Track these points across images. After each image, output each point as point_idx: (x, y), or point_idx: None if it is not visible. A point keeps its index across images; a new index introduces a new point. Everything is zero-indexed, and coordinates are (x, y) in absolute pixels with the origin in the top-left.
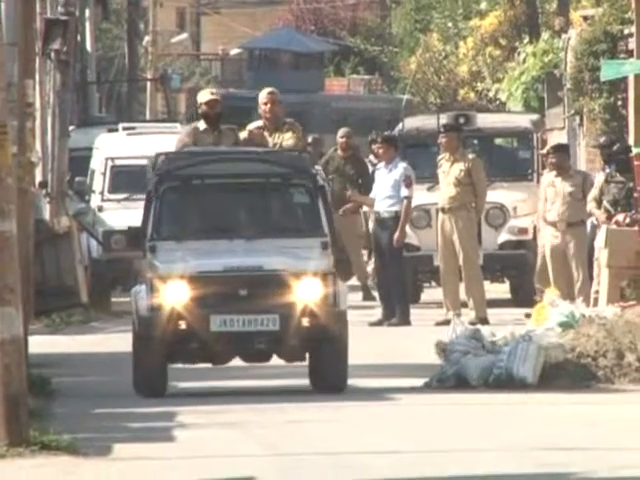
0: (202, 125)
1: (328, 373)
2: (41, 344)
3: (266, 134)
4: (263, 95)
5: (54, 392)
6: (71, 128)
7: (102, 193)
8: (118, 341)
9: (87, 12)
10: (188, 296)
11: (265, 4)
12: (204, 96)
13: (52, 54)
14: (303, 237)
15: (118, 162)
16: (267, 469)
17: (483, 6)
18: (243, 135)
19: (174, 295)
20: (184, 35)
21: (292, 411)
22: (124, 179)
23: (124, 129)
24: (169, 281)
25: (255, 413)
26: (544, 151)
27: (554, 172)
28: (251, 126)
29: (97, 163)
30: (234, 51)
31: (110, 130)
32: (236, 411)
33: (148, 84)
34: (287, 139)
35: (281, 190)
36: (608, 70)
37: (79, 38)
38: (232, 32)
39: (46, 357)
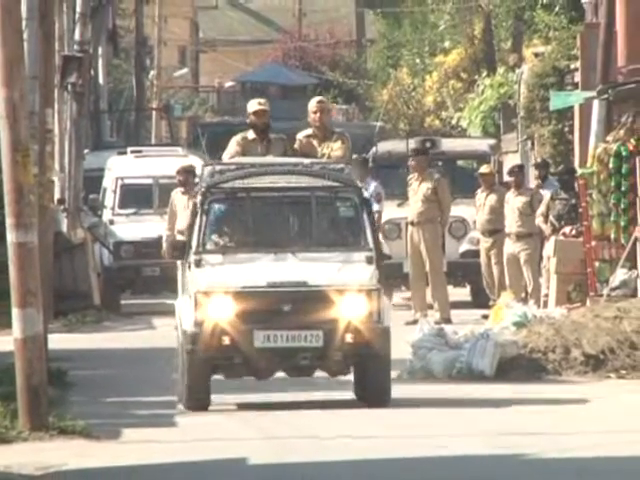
0: (251, 135)
1: (371, 388)
2: (59, 341)
3: (315, 143)
4: (312, 104)
5: (70, 383)
6: (85, 151)
7: (113, 208)
8: (127, 338)
9: (100, 50)
10: (232, 312)
11: (256, 43)
12: (252, 106)
13: (69, 86)
14: (348, 251)
15: (127, 181)
16: (259, 451)
17: (447, 44)
18: (293, 144)
19: (218, 310)
20: (185, 70)
21: (291, 401)
22: (132, 196)
23: (132, 152)
24: (213, 296)
25: (252, 400)
26: (479, 172)
27: (512, 189)
28: (301, 135)
29: (108, 182)
30: (228, 84)
31: (120, 153)
32: (234, 400)
33: (153, 113)
34: (336, 149)
35: (327, 203)
36: (556, 100)
37: (93, 72)
38: (227, 67)
39: (63, 352)
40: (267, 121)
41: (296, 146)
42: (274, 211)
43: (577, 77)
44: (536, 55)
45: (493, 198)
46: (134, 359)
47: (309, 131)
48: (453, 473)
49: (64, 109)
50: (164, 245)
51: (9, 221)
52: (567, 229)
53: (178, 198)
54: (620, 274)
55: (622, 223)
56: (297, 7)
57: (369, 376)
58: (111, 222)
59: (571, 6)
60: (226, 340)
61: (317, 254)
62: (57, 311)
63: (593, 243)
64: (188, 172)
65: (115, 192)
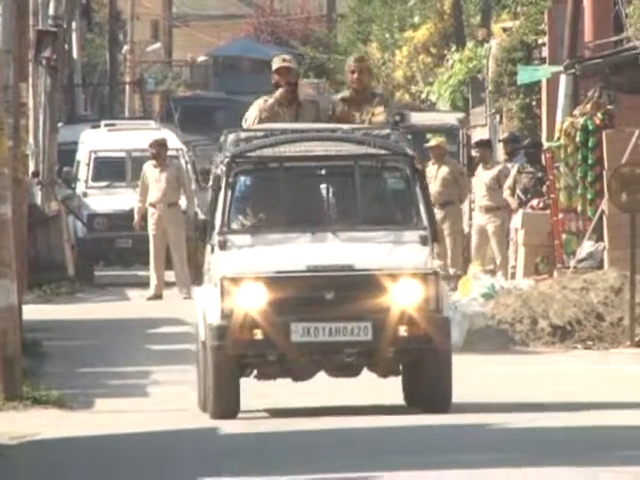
0: (276, 97)
1: (430, 390)
2: (33, 312)
3: (353, 108)
4: (350, 63)
5: (45, 354)
6: (59, 125)
7: (86, 181)
8: (101, 310)
9: (74, 24)
10: (265, 301)
11: (228, 17)
12: (275, 63)
13: (43, 61)
14: (399, 230)
15: (100, 154)
16: (254, 420)
17: (416, 19)
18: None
19: (248, 300)
20: (158, 44)
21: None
22: (105, 169)
23: (105, 125)
24: (242, 283)
25: None
26: (427, 145)
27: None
28: (336, 97)
29: (82, 155)
30: (201, 58)
31: (93, 126)
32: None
33: (127, 87)
34: (377, 114)
35: (373, 174)
36: (524, 75)
37: (67, 47)
38: (199, 42)
39: (38, 323)
40: (295, 80)
41: (329, 112)
42: (311, 183)
43: (544, 52)
44: (504, 30)
45: (445, 170)
46: (108, 330)
47: (345, 94)
48: (417, 441)
49: (38, 83)
50: (136, 217)
51: None
52: (535, 202)
53: (150, 171)
54: (587, 246)
55: (589, 196)
56: None
57: (426, 376)
58: (85, 195)
59: None
60: (258, 334)
61: (363, 233)
62: (31, 282)
63: (560, 216)
64: (161, 145)
65: (89, 165)
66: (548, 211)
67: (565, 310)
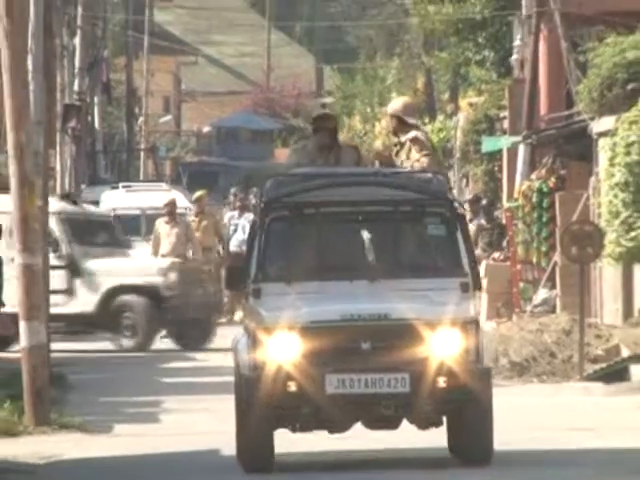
0: (315, 142)
1: (471, 440)
2: (60, 348)
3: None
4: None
5: (69, 385)
6: (83, 186)
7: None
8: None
9: (95, 99)
10: (299, 351)
11: (230, 93)
12: (315, 111)
13: (69, 130)
14: (439, 277)
15: (119, 212)
16: (232, 442)
17: (393, 95)
18: (367, 153)
19: (282, 350)
20: (169, 117)
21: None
22: (123, 225)
23: (123, 187)
24: (276, 333)
25: (227, 400)
26: None
27: None
28: (378, 144)
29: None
30: (206, 129)
31: (113, 188)
32: (211, 400)
33: (142, 153)
34: (415, 161)
35: (413, 220)
36: (487, 144)
37: (89, 118)
38: (205, 114)
39: (63, 358)
40: (334, 126)
41: (371, 156)
42: (348, 230)
43: (505, 124)
44: (470, 105)
45: None
46: (123, 364)
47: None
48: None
49: (65, 150)
50: None
51: (17, 246)
52: (496, 254)
53: (162, 226)
54: (541, 293)
55: (543, 249)
56: (266, 63)
57: (466, 427)
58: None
59: (500, 63)
60: (292, 386)
61: (401, 281)
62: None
63: (518, 266)
64: (173, 204)
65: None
66: (508, 262)
67: (522, 349)
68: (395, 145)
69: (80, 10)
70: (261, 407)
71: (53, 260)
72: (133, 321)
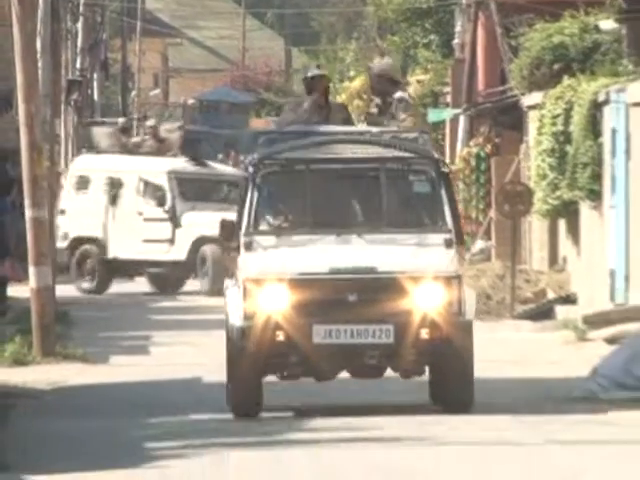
0: (307, 100)
1: (452, 390)
2: (64, 290)
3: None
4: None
5: (72, 322)
6: (84, 151)
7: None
8: (117, 289)
9: (95, 75)
10: (288, 303)
11: (211, 71)
12: (310, 71)
13: (72, 102)
14: (424, 233)
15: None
16: (212, 372)
17: (352, 73)
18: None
19: (271, 301)
20: (158, 90)
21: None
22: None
23: None
24: (266, 284)
25: (209, 336)
26: None
27: None
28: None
29: None
30: (190, 101)
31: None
32: (194, 335)
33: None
34: (401, 121)
35: (399, 177)
36: (432, 116)
37: (89, 92)
38: (189, 89)
39: (67, 299)
40: (328, 86)
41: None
42: (337, 186)
43: (448, 98)
44: (418, 82)
45: None
46: (119, 303)
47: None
48: None
49: (68, 119)
50: None
51: (27, 202)
52: None
53: None
54: (479, 244)
55: (480, 206)
56: (241, 45)
57: (448, 377)
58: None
59: (444, 45)
60: (281, 336)
61: (387, 236)
62: (62, 268)
63: None
64: None
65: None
66: None
67: None
68: (377, 105)
69: None
70: (251, 356)
71: (159, 213)
72: (206, 268)
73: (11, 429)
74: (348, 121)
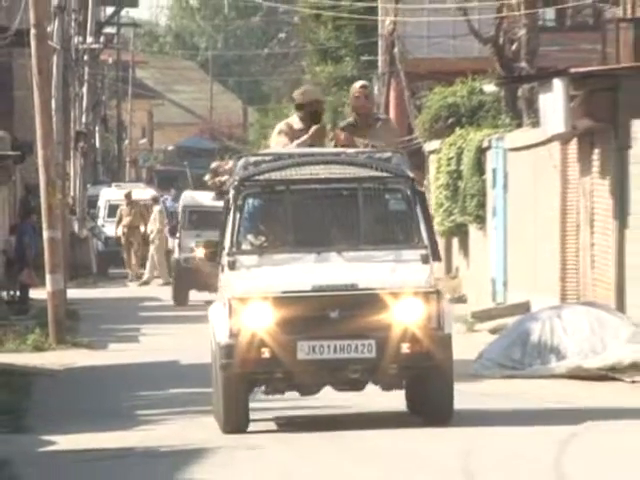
0: (297, 123)
1: (432, 403)
2: (73, 293)
3: (355, 135)
4: (355, 89)
5: (79, 317)
6: (88, 185)
7: (103, 218)
8: (111, 293)
9: (96, 128)
10: (272, 320)
11: (186, 124)
12: (307, 95)
13: (79, 148)
14: (401, 249)
15: (112, 202)
16: (188, 356)
17: None
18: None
19: (256, 319)
20: (145, 139)
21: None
22: (114, 211)
23: (115, 186)
24: (250, 302)
25: (186, 328)
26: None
27: None
28: (342, 124)
29: (101, 203)
30: (170, 147)
31: (108, 186)
32: (174, 327)
33: (127, 164)
34: (380, 137)
35: (375, 196)
36: None
37: (92, 141)
38: (169, 138)
39: (76, 300)
40: (319, 110)
41: (334, 136)
42: (316, 205)
43: None
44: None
45: None
46: (115, 303)
47: (350, 120)
48: None
49: (76, 162)
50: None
51: (44, 225)
52: None
53: (124, 209)
54: None
55: None
56: (209, 104)
57: (429, 391)
58: (102, 226)
59: None
60: (266, 353)
61: (366, 253)
62: (72, 276)
63: None
64: (154, 199)
65: (105, 208)
66: None
67: None
68: (353, 125)
69: (86, 69)
70: (236, 373)
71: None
72: None
73: (32, 399)
74: (325, 145)
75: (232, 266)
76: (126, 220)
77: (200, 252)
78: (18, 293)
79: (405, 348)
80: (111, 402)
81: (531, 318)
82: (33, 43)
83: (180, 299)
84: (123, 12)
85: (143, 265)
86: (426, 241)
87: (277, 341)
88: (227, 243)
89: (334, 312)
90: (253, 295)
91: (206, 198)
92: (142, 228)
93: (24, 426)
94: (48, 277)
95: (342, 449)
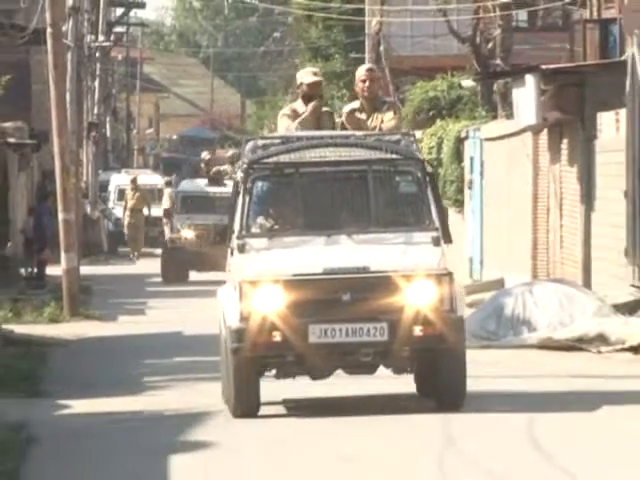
0: (301, 107)
1: (445, 386)
2: (86, 270)
3: (363, 116)
4: (361, 72)
5: (92, 292)
6: (100, 171)
7: (113, 201)
8: (121, 269)
9: (107, 119)
10: (283, 303)
11: (189, 116)
12: (306, 76)
13: (91, 137)
14: (411, 231)
15: (121, 187)
16: (190, 328)
17: None
18: (339, 119)
19: (267, 302)
20: (152, 129)
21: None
22: (123, 194)
23: (124, 171)
24: (261, 286)
25: (188, 302)
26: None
27: None
28: (347, 108)
29: (112, 187)
30: (174, 137)
31: (118, 172)
32: (178, 301)
33: (135, 151)
34: (388, 120)
35: (385, 178)
36: None
37: (103, 130)
38: (174, 128)
39: (89, 276)
40: (321, 93)
41: (342, 119)
42: (326, 188)
43: None
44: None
45: None
46: (124, 279)
47: (355, 104)
48: None
49: (88, 150)
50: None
51: (60, 207)
52: None
53: (129, 193)
54: None
55: None
56: (210, 98)
57: (441, 374)
58: (113, 208)
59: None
60: (277, 336)
61: (376, 235)
62: (85, 254)
63: None
64: (168, 182)
65: (115, 192)
66: None
67: None
68: (360, 111)
69: (98, 65)
70: (247, 356)
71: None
72: None
73: (48, 367)
74: (335, 128)
75: (242, 249)
76: (130, 203)
77: (187, 233)
78: (35, 270)
79: (418, 331)
80: (120, 370)
81: (505, 293)
82: (49, 41)
83: (169, 277)
84: (132, 13)
85: (146, 244)
86: (437, 223)
87: (288, 324)
88: (237, 226)
89: (346, 295)
90: (264, 278)
91: (199, 185)
92: (145, 211)
93: (41, 391)
94: (63, 255)
95: (338, 412)
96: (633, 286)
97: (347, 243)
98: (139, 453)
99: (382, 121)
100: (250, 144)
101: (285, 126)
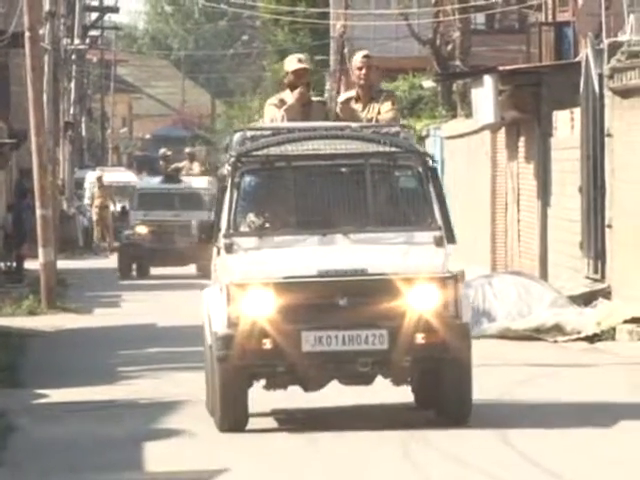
0: (288, 96)
1: (449, 398)
2: (62, 264)
3: (359, 106)
4: (357, 59)
5: (68, 285)
6: (75, 169)
7: (88, 198)
8: (95, 263)
9: (83, 118)
10: (274, 308)
11: (161, 116)
12: (291, 64)
13: (67, 136)
14: (412, 231)
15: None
16: (163, 320)
17: (256, 118)
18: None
19: (257, 307)
20: (125, 129)
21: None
22: (98, 192)
23: (99, 169)
24: (250, 289)
25: (161, 294)
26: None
27: None
28: (342, 97)
29: (87, 184)
30: (147, 136)
31: (92, 170)
32: (152, 294)
33: (110, 150)
34: (385, 111)
35: (384, 173)
36: None
37: (79, 130)
38: (147, 127)
39: (64, 270)
40: (309, 81)
41: (337, 110)
42: (319, 183)
43: None
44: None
45: None
46: (99, 273)
47: (351, 93)
48: None
49: (65, 148)
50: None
51: (37, 203)
52: None
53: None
54: None
55: None
56: (181, 98)
57: (445, 384)
58: (88, 205)
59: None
60: (267, 344)
61: (375, 235)
62: (61, 249)
63: None
64: (101, 178)
65: (90, 189)
66: None
67: None
68: (356, 100)
69: (74, 67)
70: (235, 365)
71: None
72: None
73: (26, 358)
74: (328, 119)
75: (229, 249)
76: (97, 201)
77: (141, 229)
78: (14, 264)
79: (420, 338)
80: (96, 360)
81: (465, 285)
82: (27, 44)
83: (123, 272)
84: (106, 17)
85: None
86: (440, 222)
87: (280, 331)
88: (223, 224)
89: (342, 299)
90: (253, 281)
91: (156, 182)
92: (111, 207)
93: (20, 381)
94: (40, 250)
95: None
96: (588, 278)
97: (343, 243)
98: (114, 441)
99: (379, 112)
100: (238, 135)
101: (271, 116)
